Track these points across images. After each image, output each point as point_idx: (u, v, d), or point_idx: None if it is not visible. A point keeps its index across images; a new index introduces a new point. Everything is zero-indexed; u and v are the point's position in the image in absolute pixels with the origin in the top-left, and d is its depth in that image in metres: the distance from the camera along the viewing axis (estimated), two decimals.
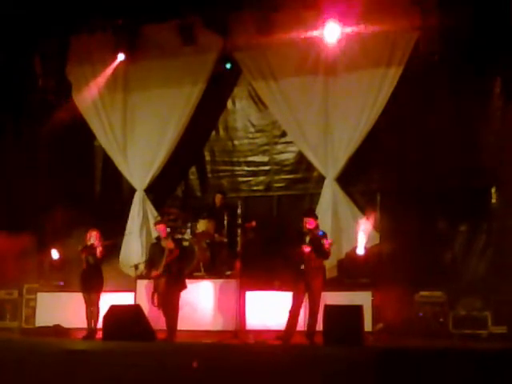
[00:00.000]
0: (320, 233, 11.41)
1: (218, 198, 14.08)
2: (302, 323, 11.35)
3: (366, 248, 12.97)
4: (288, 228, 13.23)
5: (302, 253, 11.15)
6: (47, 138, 15.61)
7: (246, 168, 15.05)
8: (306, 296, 11.30)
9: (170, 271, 11.90)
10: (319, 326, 10.93)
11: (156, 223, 12.94)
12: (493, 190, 13.11)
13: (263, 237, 13.65)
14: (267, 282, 12.81)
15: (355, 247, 12.98)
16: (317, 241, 11.26)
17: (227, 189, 14.69)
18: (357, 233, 12.96)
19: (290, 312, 11.32)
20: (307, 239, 11.29)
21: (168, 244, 12.12)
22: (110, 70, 15.01)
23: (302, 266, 11.21)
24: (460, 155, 13.17)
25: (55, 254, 14.51)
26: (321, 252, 11.24)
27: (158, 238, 12.54)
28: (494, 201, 13.10)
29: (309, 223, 11.41)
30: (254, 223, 13.17)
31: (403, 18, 13.04)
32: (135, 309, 11.92)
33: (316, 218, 11.63)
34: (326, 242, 11.27)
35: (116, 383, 9.16)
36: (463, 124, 13.21)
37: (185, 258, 12.57)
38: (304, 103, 14.01)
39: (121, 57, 14.75)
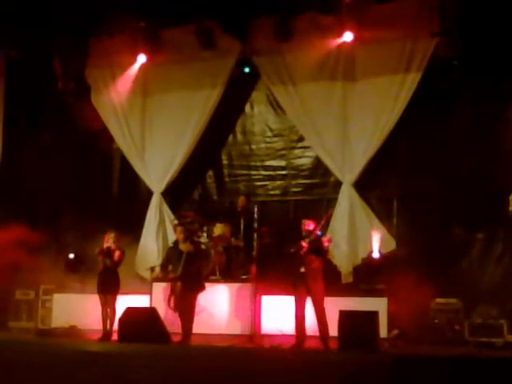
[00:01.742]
0: (318, 233, 11.45)
1: (242, 200, 14.07)
2: (315, 328, 11.34)
3: (382, 254, 12.96)
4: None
5: (300, 247, 11.18)
6: (66, 140, 15.70)
7: (263, 172, 15.04)
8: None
9: (188, 274, 11.92)
10: (334, 331, 10.93)
11: (176, 226, 12.99)
12: (510, 197, 13.04)
13: (279, 241, 13.63)
14: (283, 287, 12.79)
15: (371, 252, 12.97)
16: (316, 241, 11.29)
17: (244, 193, 14.67)
18: (373, 238, 12.95)
19: (296, 317, 11.34)
20: (307, 241, 11.30)
21: (187, 247, 12.15)
22: (129, 73, 15.10)
23: (302, 269, 11.22)
24: (478, 162, 13.13)
25: (72, 255, 14.58)
26: (320, 252, 11.27)
27: (176, 242, 12.57)
28: (511, 208, 13.02)
29: (307, 225, 11.46)
30: (265, 229, 13.15)
31: (422, 24, 13.05)
32: (151, 311, 11.97)
33: (314, 219, 11.65)
34: (324, 240, 11.33)
35: None
36: (481, 130, 13.18)
37: (203, 260, 12.61)
38: (322, 108, 14.01)
39: (141, 59, 14.85)
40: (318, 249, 11.27)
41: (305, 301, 11.34)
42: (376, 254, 12.87)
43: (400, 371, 8.41)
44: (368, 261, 13.07)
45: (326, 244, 11.35)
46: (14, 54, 15.08)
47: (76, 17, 13.82)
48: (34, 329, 13.92)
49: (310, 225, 11.46)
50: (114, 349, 10.87)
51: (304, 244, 11.26)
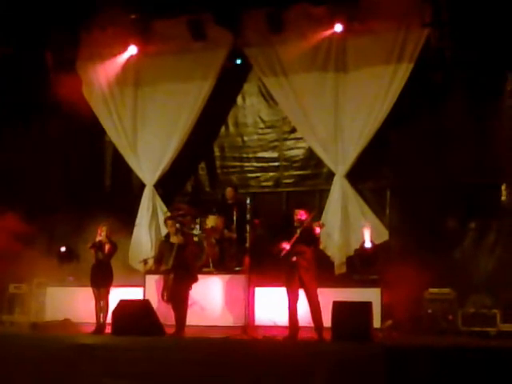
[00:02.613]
0: (317, 230, 11.45)
1: (230, 191, 14.07)
2: (309, 318, 11.35)
3: (375, 244, 12.97)
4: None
5: (281, 250, 11.17)
6: (58, 132, 15.66)
7: (256, 164, 15.03)
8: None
9: (179, 266, 11.91)
10: (327, 322, 10.94)
11: (166, 219, 12.97)
12: (503, 187, 13.07)
13: (272, 233, 13.62)
14: (276, 278, 12.78)
15: (364, 243, 12.98)
16: (307, 231, 11.26)
17: (236, 185, 14.66)
18: (365, 229, 12.96)
19: (289, 308, 11.31)
20: (298, 231, 11.27)
21: (178, 239, 12.14)
22: (120, 65, 15.05)
23: (294, 258, 11.19)
24: (471, 152, 13.15)
25: (63, 248, 14.56)
26: (311, 240, 11.24)
27: (168, 235, 12.56)
28: (503, 198, 13.06)
29: (300, 214, 11.43)
30: (257, 221, 13.13)
31: (414, 15, 13.06)
32: (144, 304, 11.95)
33: (307, 210, 11.62)
34: (315, 227, 11.29)
35: (124, 377, 9.20)
36: (474, 121, 13.20)
37: (195, 251, 12.60)
38: (314, 99, 14.00)
39: (132, 50, 14.80)
40: (309, 237, 11.24)
41: (297, 292, 11.32)
42: (368, 245, 12.88)
43: (393, 361, 8.45)
44: (361, 251, 13.08)
45: (317, 231, 11.33)
46: (5, 50, 15.00)
47: (67, 9, 13.77)
48: (28, 322, 13.88)
49: (302, 214, 11.43)
50: (107, 341, 10.87)
51: (285, 245, 11.22)
